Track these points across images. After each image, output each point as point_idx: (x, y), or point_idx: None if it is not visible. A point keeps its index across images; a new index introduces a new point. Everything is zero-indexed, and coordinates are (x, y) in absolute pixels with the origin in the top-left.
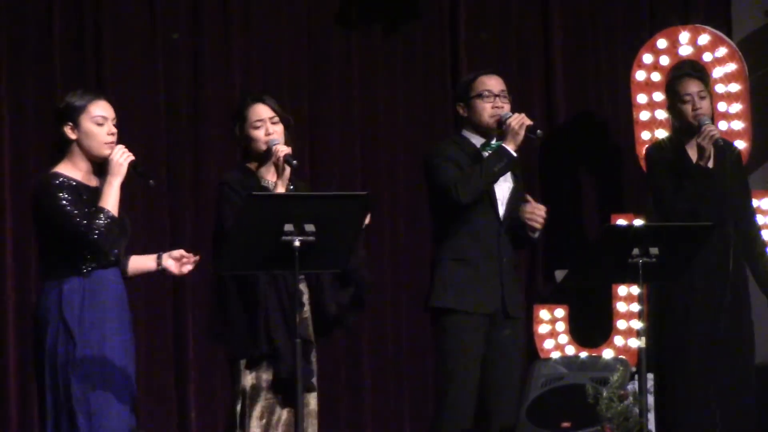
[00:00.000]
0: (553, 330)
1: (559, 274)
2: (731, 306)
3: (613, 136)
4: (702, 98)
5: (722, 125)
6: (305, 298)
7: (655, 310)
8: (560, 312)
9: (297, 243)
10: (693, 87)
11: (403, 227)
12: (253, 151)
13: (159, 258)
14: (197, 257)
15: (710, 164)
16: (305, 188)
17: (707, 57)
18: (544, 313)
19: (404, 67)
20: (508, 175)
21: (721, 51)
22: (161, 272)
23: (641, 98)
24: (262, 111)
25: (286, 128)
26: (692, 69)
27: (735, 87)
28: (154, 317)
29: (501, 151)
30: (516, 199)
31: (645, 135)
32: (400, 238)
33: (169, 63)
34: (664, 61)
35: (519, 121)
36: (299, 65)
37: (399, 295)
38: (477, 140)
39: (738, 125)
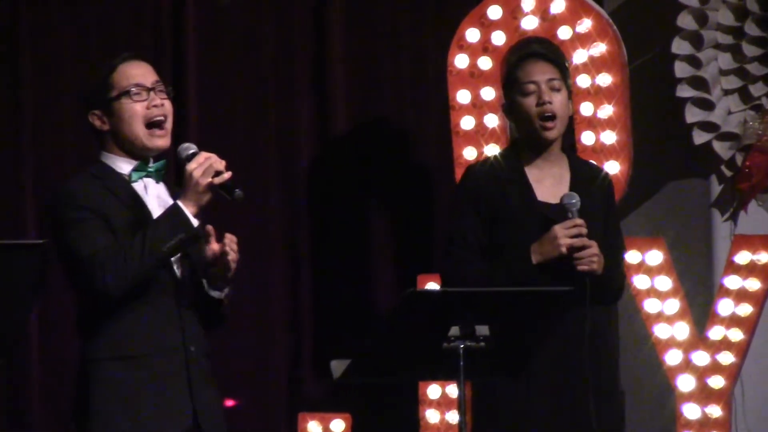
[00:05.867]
0: None
1: (337, 366)
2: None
3: (419, 154)
4: (554, 90)
5: (587, 137)
6: None
7: (482, 421)
8: (339, 424)
9: None
10: (540, 73)
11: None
12: None
13: None
14: None
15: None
16: None
17: (564, 33)
18: (314, 426)
19: (87, 46)
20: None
21: (586, 24)
22: None
23: (463, 96)
24: None
25: None
26: (543, 48)
27: (606, 79)
28: None
29: (175, 216)
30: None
31: (469, 153)
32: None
33: None
34: (498, 39)
35: (203, 167)
36: None
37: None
38: (127, 165)
39: (610, 137)
